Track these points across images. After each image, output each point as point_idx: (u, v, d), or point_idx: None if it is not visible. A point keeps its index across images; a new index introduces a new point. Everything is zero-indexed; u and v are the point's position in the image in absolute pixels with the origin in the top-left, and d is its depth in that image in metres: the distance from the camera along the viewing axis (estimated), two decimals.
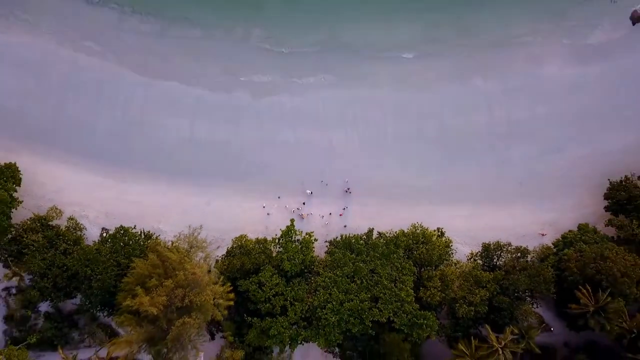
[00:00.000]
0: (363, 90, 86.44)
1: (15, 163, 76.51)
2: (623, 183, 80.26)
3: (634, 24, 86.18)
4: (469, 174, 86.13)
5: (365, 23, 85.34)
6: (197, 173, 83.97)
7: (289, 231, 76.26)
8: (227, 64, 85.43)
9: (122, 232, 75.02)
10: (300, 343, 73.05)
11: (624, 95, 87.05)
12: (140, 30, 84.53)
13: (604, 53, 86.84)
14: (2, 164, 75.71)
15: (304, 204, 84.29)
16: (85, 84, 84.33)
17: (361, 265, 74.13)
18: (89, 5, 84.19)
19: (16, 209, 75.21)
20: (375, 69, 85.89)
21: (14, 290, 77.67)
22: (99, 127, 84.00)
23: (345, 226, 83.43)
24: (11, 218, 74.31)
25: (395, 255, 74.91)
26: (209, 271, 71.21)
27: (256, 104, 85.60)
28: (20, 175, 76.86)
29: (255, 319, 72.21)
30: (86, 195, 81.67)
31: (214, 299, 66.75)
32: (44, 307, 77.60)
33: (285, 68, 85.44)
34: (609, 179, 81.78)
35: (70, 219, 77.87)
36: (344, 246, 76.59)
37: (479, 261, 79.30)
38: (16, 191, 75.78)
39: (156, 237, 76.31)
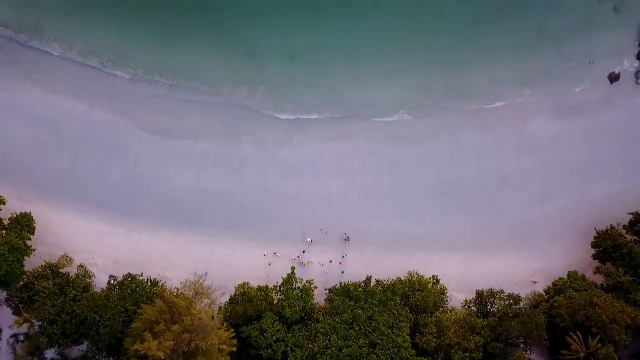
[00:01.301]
0: (361, 144, 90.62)
1: (30, 213, 79.06)
2: (609, 232, 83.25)
3: (611, 82, 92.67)
4: (463, 224, 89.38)
5: (361, 83, 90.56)
6: (202, 222, 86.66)
7: (290, 279, 78.44)
8: (232, 124, 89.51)
9: (129, 279, 76.81)
10: None
11: (606, 148, 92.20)
12: (152, 93, 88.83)
13: (586, 110, 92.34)
14: (18, 213, 78.37)
15: (304, 252, 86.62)
16: (98, 139, 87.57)
17: (360, 312, 76.11)
18: (103, 71, 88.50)
19: (29, 257, 77.13)
20: (371, 125, 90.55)
21: (21, 337, 78.80)
22: (110, 178, 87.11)
23: (342, 272, 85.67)
24: (24, 266, 76.07)
25: (392, 303, 77.05)
26: (213, 317, 73.28)
27: (259, 157, 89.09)
28: (35, 225, 79.22)
29: None
30: (96, 244, 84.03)
31: (218, 344, 68.43)
32: (50, 354, 78.34)
33: (287, 127, 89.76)
34: (595, 228, 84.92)
35: (80, 266, 79.61)
36: (343, 294, 78.57)
37: (473, 308, 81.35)
38: (30, 239, 78.06)
39: (162, 284, 78.29)
